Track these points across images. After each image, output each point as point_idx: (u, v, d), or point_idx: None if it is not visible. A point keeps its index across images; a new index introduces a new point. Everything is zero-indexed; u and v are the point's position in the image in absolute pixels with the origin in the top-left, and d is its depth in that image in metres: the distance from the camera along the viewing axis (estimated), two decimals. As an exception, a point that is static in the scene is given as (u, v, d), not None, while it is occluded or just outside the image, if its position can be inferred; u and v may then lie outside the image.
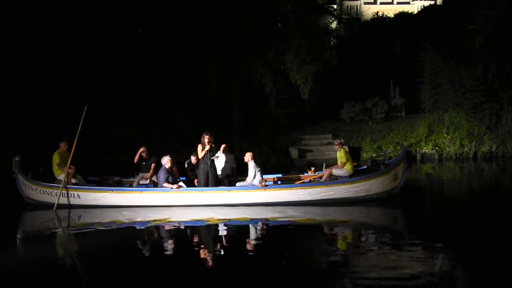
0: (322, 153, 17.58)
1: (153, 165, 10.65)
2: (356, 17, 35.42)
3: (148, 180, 10.64)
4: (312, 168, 11.01)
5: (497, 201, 10.56)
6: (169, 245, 7.50)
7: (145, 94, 17.79)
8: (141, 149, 10.75)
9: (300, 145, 18.56)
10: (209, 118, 18.10)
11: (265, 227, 8.50)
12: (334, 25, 28.72)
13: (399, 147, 15.62)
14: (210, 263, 6.46)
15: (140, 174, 10.76)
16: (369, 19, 30.67)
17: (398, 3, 37.26)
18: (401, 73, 20.63)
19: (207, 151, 9.77)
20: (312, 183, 10.09)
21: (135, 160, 10.75)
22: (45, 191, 9.92)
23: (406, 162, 10.18)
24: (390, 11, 31.04)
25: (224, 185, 10.09)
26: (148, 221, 8.96)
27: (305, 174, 10.96)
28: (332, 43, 24.54)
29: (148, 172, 10.71)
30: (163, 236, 8.18)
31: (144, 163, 10.86)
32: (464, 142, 17.78)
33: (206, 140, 9.80)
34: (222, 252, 6.93)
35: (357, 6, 37.50)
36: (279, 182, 10.53)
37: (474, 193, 11.95)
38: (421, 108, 19.49)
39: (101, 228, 8.54)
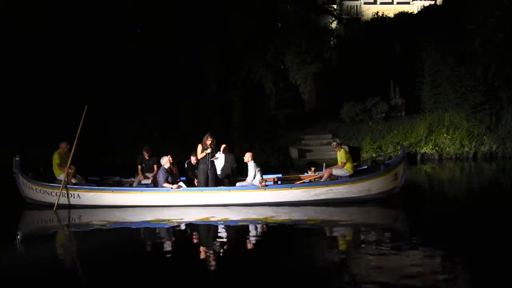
0: (322, 153, 17.57)
1: (155, 166, 10.70)
2: (356, 17, 35.37)
3: (150, 180, 10.67)
4: (312, 168, 11.01)
5: (497, 201, 10.55)
6: (169, 245, 7.50)
7: (145, 94, 17.79)
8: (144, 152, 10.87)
9: (300, 145, 18.55)
10: (209, 118, 18.12)
11: (265, 227, 8.50)
12: (334, 25, 28.71)
13: (399, 147, 15.62)
14: (210, 263, 6.46)
15: (140, 174, 10.80)
16: (369, 19, 30.60)
17: (398, 3, 37.21)
18: (401, 73, 20.63)
19: (207, 152, 9.76)
20: (312, 183, 10.08)
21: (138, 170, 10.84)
22: (45, 191, 9.92)
23: (406, 162, 10.18)
24: (390, 11, 30.99)
25: (224, 185, 10.10)
26: (148, 221, 8.97)
27: (305, 174, 10.97)
28: (332, 43, 24.53)
29: (150, 172, 10.78)
30: (163, 236, 8.18)
31: (144, 164, 10.90)
32: (464, 142, 17.77)
33: (208, 142, 9.79)
34: (222, 252, 6.93)
35: (357, 6, 37.45)
36: (279, 182, 10.53)
37: (474, 193, 11.95)
38: (421, 108, 19.48)
39: (101, 228, 8.54)
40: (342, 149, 10.43)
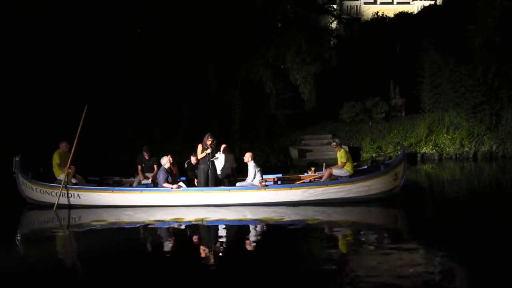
0: (322, 153, 17.57)
1: (155, 166, 10.70)
2: (356, 17, 35.39)
3: (150, 180, 10.67)
4: (312, 168, 11.01)
5: (497, 201, 10.56)
6: (169, 245, 7.50)
7: (145, 94, 17.79)
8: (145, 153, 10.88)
9: (300, 145, 18.55)
10: (209, 118, 18.11)
11: (265, 227, 8.50)
12: (334, 25, 28.73)
13: (399, 147, 15.62)
14: (210, 263, 6.45)
15: (140, 174, 10.81)
16: (369, 19, 30.63)
17: (398, 3, 37.22)
18: (401, 73, 20.63)
19: (208, 152, 9.76)
20: (312, 183, 10.08)
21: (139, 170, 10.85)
22: (45, 191, 9.92)
23: (406, 162, 10.18)
24: (390, 11, 31.00)
25: (224, 185, 10.09)
26: (148, 221, 8.96)
27: (305, 174, 10.97)
28: (332, 43, 24.55)
29: (150, 172, 10.78)
30: (163, 236, 8.18)
31: (144, 164, 10.90)
32: (464, 142, 17.77)
33: (209, 142, 9.79)
34: (222, 252, 6.93)
35: (357, 6, 37.46)
36: (279, 182, 10.53)
37: (474, 193, 11.94)
38: (421, 108, 19.49)
39: (101, 228, 8.54)
40: (342, 149, 10.42)
